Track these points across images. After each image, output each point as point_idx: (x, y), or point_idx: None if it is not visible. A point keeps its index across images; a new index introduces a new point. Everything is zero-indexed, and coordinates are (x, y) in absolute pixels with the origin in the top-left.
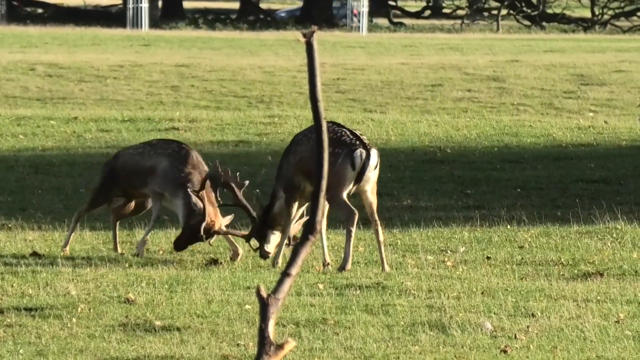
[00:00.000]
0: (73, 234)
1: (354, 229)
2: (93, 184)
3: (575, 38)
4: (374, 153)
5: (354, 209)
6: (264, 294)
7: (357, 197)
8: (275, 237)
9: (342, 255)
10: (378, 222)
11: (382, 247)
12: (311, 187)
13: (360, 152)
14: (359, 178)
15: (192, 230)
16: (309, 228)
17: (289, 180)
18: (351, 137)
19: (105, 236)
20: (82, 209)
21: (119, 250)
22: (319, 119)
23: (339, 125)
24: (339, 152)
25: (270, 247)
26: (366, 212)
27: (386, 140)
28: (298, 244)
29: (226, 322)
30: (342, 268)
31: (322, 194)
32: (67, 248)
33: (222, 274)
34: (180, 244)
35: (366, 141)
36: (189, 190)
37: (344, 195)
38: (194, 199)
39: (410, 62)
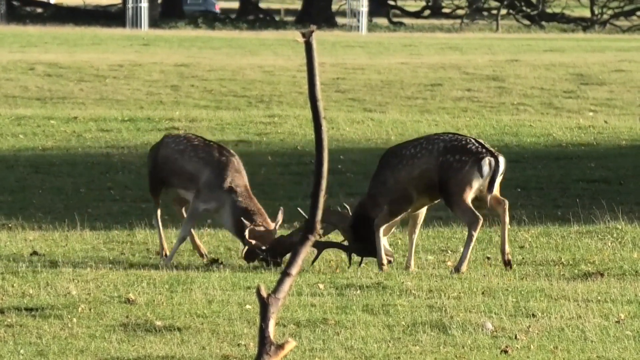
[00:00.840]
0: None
1: (475, 234)
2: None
3: (575, 37)
4: (502, 160)
5: (478, 214)
6: (264, 293)
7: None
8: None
9: (459, 256)
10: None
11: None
12: (426, 200)
13: (489, 160)
14: (491, 185)
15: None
16: (309, 228)
17: (400, 193)
18: (477, 145)
19: (106, 236)
20: None
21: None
22: (319, 118)
23: (461, 135)
24: (466, 160)
25: (383, 255)
26: (494, 210)
27: (386, 140)
28: (298, 244)
29: (227, 322)
30: (457, 269)
31: (322, 193)
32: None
33: (222, 274)
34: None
35: (492, 149)
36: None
37: (469, 200)
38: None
39: (410, 62)
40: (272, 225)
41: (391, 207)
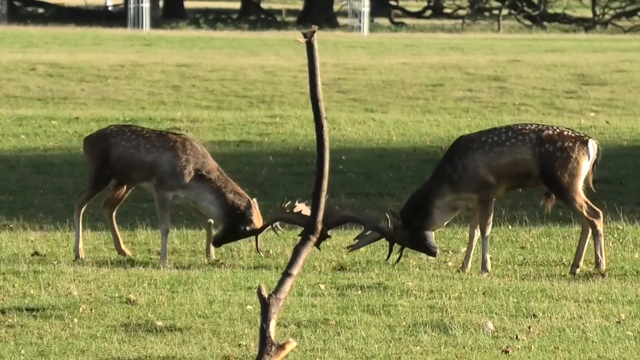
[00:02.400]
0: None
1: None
2: None
3: (577, 38)
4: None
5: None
6: (265, 294)
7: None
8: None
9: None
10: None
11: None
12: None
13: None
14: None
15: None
16: (310, 228)
17: (482, 179)
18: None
19: (107, 236)
20: None
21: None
22: (320, 118)
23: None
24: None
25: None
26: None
27: (387, 140)
28: (299, 244)
29: (228, 322)
30: (597, 267)
31: (323, 194)
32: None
33: (223, 274)
34: (217, 241)
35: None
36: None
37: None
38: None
39: (412, 62)
40: (257, 207)
41: (480, 192)
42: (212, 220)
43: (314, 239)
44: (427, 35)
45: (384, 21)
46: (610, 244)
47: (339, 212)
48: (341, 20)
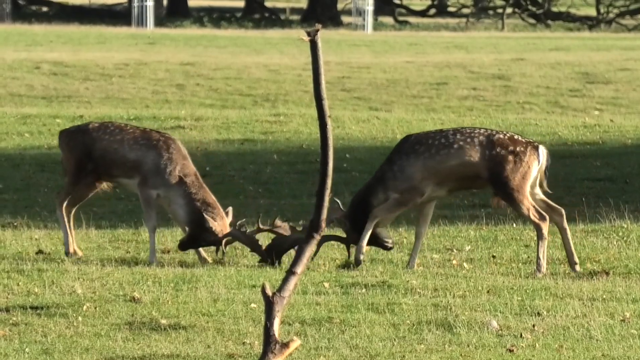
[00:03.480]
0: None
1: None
2: None
3: (581, 36)
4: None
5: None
6: (269, 292)
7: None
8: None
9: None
10: None
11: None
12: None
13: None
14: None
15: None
16: (314, 226)
17: (416, 183)
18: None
19: (111, 235)
20: None
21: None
22: (324, 117)
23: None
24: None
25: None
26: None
27: (391, 139)
28: (303, 243)
29: (232, 320)
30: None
31: (327, 192)
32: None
33: (227, 273)
34: (184, 246)
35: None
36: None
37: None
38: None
39: (416, 61)
40: (225, 217)
41: (401, 197)
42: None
43: (318, 237)
44: (431, 33)
45: (388, 20)
46: (615, 242)
47: (287, 239)
48: (345, 19)
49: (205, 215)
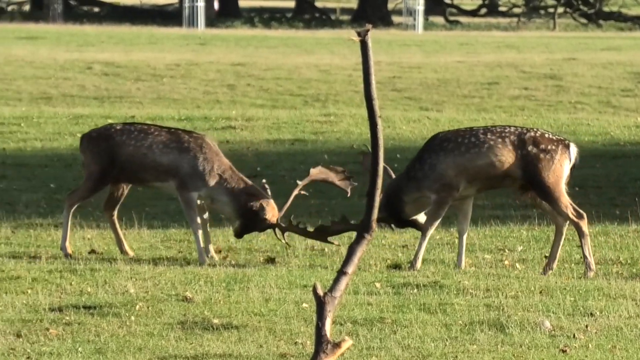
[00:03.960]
0: None
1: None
2: None
3: (632, 36)
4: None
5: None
6: (320, 292)
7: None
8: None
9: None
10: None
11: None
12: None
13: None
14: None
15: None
16: (365, 227)
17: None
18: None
19: (163, 234)
20: None
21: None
22: (374, 117)
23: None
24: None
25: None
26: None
27: None
28: (354, 243)
29: (284, 320)
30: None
31: (378, 192)
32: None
33: (279, 272)
34: (239, 233)
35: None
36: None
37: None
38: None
39: (467, 60)
40: (270, 200)
41: (439, 196)
42: (206, 216)
43: (369, 237)
44: (482, 33)
45: (438, 19)
46: None
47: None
48: (395, 19)
49: (254, 206)
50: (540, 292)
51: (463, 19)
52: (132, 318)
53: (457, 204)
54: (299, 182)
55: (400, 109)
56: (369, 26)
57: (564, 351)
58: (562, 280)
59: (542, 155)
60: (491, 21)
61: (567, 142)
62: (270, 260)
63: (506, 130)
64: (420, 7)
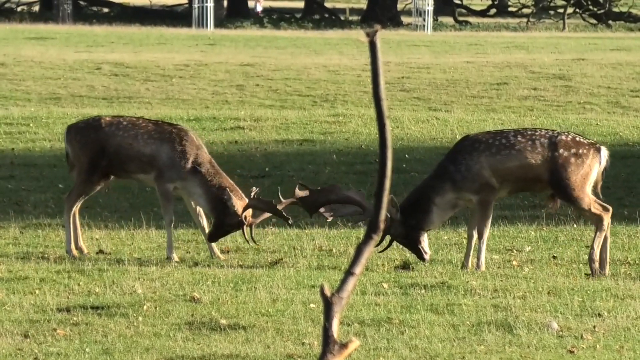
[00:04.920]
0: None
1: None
2: None
3: None
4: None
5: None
6: (327, 293)
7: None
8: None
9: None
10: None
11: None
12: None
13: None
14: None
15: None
16: (372, 227)
17: (485, 181)
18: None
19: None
20: None
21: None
22: (383, 117)
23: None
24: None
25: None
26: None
27: (451, 139)
28: (362, 243)
29: (291, 320)
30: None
31: (386, 193)
32: None
33: (286, 273)
34: (213, 236)
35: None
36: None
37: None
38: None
39: (476, 61)
40: (245, 198)
41: (481, 196)
42: (203, 221)
43: (376, 237)
44: (491, 33)
45: (448, 20)
46: None
47: (343, 191)
48: (405, 19)
49: (224, 197)
50: (548, 293)
51: (472, 20)
52: (140, 318)
53: (471, 209)
54: (282, 200)
55: (409, 110)
56: (377, 27)
57: (571, 352)
58: (570, 281)
59: (572, 159)
60: (500, 21)
61: (598, 145)
62: (278, 261)
63: (537, 133)
64: (429, 8)
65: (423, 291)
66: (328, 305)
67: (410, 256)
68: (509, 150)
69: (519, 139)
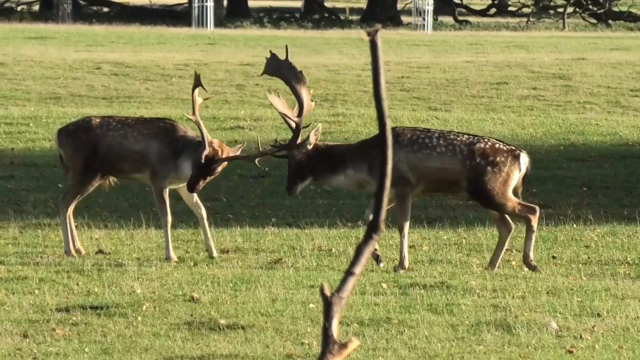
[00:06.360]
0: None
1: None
2: None
3: None
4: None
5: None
6: (327, 292)
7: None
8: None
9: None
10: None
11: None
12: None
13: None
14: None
15: (198, 165)
16: (373, 227)
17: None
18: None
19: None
20: None
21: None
22: (383, 117)
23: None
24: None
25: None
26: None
27: None
28: (362, 243)
29: (290, 320)
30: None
31: (386, 192)
32: None
33: (286, 273)
34: (191, 183)
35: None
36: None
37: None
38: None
39: (476, 60)
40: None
41: (397, 190)
42: (204, 214)
43: (377, 237)
44: (491, 33)
45: (448, 19)
46: None
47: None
48: (405, 19)
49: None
50: (547, 293)
51: (472, 19)
52: (139, 318)
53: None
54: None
55: (409, 109)
56: (378, 26)
57: (570, 352)
58: (569, 281)
59: (488, 168)
60: (500, 21)
61: (517, 152)
62: (277, 261)
63: (458, 139)
64: (429, 7)
65: (422, 291)
66: (328, 305)
67: (409, 257)
68: (430, 151)
69: (441, 142)
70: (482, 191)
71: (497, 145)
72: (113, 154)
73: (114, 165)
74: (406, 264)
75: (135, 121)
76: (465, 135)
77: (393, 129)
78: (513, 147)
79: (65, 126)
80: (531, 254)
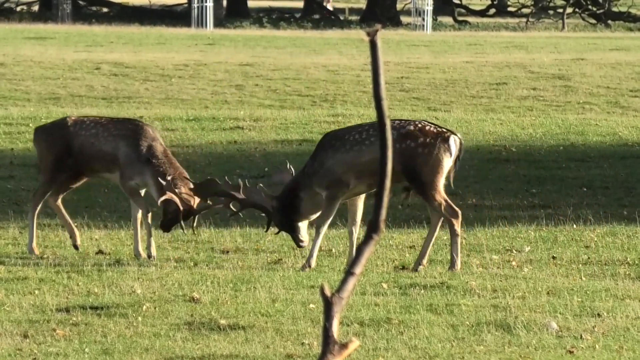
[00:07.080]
0: None
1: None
2: None
3: None
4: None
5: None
6: (327, 293)
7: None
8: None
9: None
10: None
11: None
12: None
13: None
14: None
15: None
16: (373, 227)
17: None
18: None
19: (170, 235)
20: None
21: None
22: (383, 117)
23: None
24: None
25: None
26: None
27: None
28: (362, 243)
29: (290, 321)
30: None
31: (386, 193)
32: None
33: (286, 273)
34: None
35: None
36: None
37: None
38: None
39: (475, 61)
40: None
41: (329, 192)
42: (139, 215)
43: (377, 238)
44: (490, 33)
45: (447, 20)
46: None
47: (218, 186)
48: (404, 19)
49: (161, 180)
50: (548, 293)
51: (472, 19)
52: (139, 319)
53: (347, 204)
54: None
55: (409, 110)
56: (378, 26)
57: (571, 352)
58: (569, 281)
59: (419, 150)
60: (500, 21)
61: (447, 134)
62: (277, 261)
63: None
64: (429, 8)
65: (422, 291)
66: (328, 305)
67: (408, 257)
68: (360, 145)
69: (371, 132)
70: (416, 175)
71: (426, 128)
72: (85, 153)
73: (86, 164)
74: (313, 263)
75: (108, 121)
76: (396, 121)
77: (327, 133)
78: (444, 130)
79: (42, 124)
80: (458, 261)
